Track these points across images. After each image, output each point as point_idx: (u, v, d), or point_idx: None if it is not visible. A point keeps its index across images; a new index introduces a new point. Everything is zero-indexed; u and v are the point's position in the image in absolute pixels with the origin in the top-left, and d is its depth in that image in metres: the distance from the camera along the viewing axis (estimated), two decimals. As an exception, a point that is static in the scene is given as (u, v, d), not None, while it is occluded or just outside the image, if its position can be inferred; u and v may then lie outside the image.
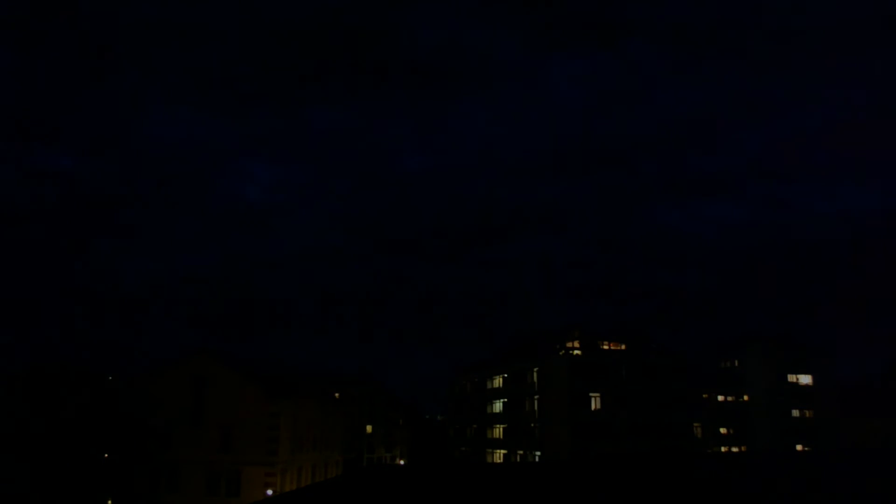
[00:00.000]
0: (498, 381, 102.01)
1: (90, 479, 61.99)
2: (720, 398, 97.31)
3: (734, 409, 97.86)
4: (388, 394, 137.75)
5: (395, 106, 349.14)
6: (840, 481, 23.21)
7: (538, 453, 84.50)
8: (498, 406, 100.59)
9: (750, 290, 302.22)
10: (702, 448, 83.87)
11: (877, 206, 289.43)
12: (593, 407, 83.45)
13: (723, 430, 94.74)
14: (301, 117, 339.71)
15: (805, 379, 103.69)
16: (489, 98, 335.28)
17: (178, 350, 66.38)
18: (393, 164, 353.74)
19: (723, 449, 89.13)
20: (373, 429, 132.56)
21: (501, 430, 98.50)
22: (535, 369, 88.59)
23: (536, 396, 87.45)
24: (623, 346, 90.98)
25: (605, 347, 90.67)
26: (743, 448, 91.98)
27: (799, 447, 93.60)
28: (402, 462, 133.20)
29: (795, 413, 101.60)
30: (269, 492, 57.20)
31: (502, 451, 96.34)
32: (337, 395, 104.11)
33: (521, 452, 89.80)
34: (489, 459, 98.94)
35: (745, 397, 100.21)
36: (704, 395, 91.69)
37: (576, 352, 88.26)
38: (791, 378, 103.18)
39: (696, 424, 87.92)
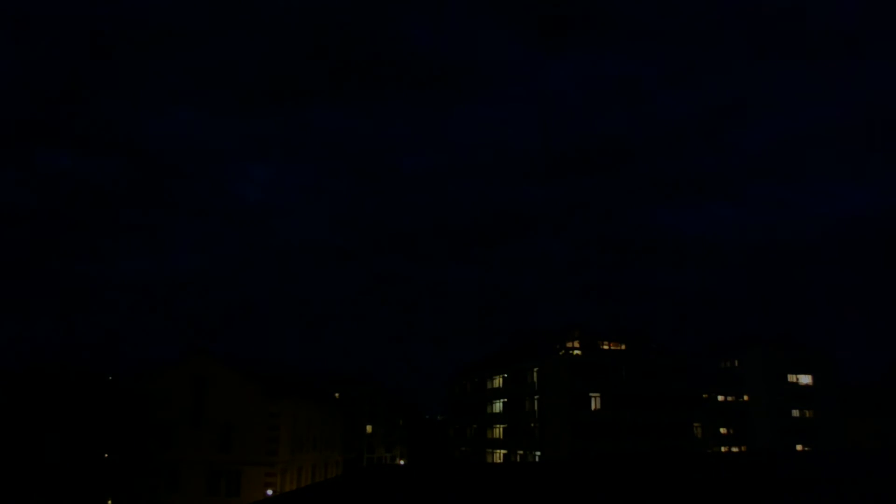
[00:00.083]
0: (498, 381, 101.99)
1: (90, 479, 61.98)
2: (720, 398, 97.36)
3: (734, 409, 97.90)
4: (388, 394, 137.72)
5: (393, 106, 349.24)
6: (840, 481, 23.20)
7: (538, 453, 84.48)
8: (498, 406, 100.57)
9: (750, 291, 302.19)
10: (702, 448, 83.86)
11: (876, 206, 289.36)
12: (593, 407, 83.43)
13: (723, 430, 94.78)
14: (300, 118, 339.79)
15: (805, 379, 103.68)
16: (488, 99, 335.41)
17: (178, 350, 66.36)
18: (392, 165, 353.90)
19: (723, 449, 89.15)
20: (373, 429, 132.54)
21: (501, 430, 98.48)
22: (535, 369, 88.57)
23: (536, 396, 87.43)
24: (623, 346, 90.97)
25: (605, 347, 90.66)
26: (743, 448, 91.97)
27: (799, 447, 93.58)
28: (402, 462, 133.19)
29: (795, 413, 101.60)
30: (269, 492, 57.18)
31: (502, 451, 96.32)
32: (337, 395, 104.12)
33: (521, 452, 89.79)
34: (489, 459, 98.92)
35: (745, 397, 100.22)
36: (704, 395, 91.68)
37: (576, 352, 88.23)
38: (791, 378, 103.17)
39: (696, 424, 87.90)
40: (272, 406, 60.71)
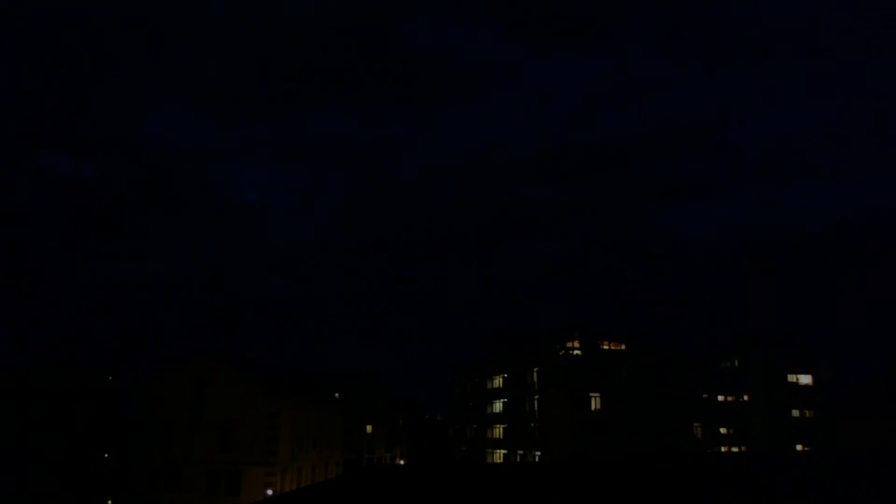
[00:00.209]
0: (498, 381, 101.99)
1: (90, 479, 62.05)
2: (720, 398, 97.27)
3: (734, 409, 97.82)
4: (388, 394, 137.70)
5: (392, 108, 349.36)
6: (840, 481, 23.21)
7: (538, 453, 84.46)
8: (498, 406, 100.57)
9: (749, 291, 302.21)
10: (702, 448, 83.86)
11: (875, 207, 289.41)
12: (593, 407, 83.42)
13: (723, 430, 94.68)
14: (298, 119, 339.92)
15: (805, 379, 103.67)
16: (486, 99, 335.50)
17: (179, 350, 66.40)
18: (391, 165, 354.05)
19: (723, 449, 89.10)
20: (373, 429, 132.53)
21: (501, 430, 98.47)
22: (535, 369, 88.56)
23: (536, 396, 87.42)
24: (623, 346, 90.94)
25: (605, 347, 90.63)
26: (743, 448, 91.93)
27: (799, 447, 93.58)
28: (402, 462, 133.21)
29: (795, 413, 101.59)
30: (269, 492, 57.17)
31: (502, 451, 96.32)
32: (337, 395, 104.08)
33: (521, 452, 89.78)
34: (489, 459, 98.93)
35: (745, 397, 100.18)
36: (704, 395, 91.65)
37: (576, 352, 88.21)
38: (791, 378, 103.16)
39: (696, 424, 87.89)
40: (272, 406, 60.70)
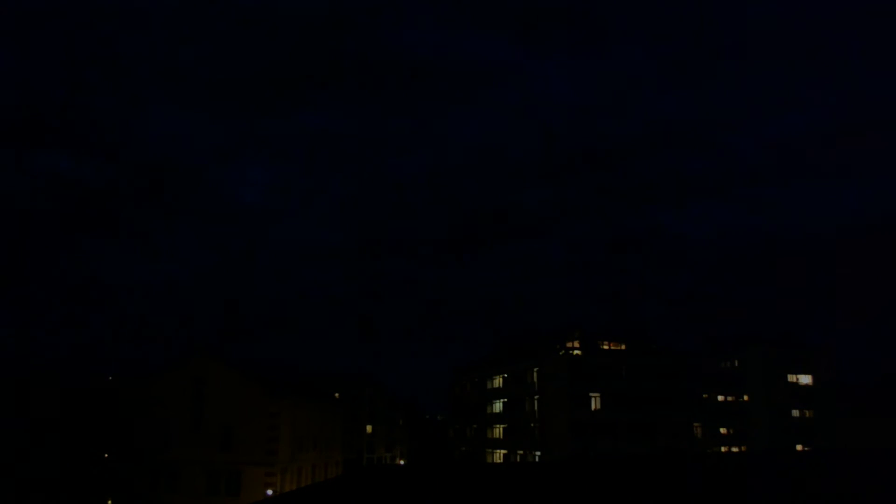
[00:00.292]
0: (498, 381, 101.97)
1: (90, 479, 62.04)
2: (720, 398, 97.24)
3: (734, 409, 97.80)
4: (388, 394, 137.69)
5: (390, 108, 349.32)
6: (840, 481, 23.20)
7: (538, 453, 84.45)
8: (498, 406, 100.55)
9: (749, 291, 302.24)
10: (702, 448, 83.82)
11: (875, 207, 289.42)
12: (593, 407, 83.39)
13: (723, 430, 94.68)
14: (298, 119, 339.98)
15: (805, 379, 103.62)
16: (484, 100, 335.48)
17: (179, 351, 66.40)
18: (390, 166, 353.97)
19: (723, 449, 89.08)
20: (373, 429, 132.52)
21: (501, 430, 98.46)
22: (535, 369, 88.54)
23: (536, 396, 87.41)
24: (623, 346, 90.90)
25: (605, 347, 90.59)
26: (743, 448, 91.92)
27: (799, 447, 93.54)
28: (402, 462, 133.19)
29: (795, 413, 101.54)
30: (269, 492, 57.17)
31: (502, 451, 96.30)
32: (337, 395, 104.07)
33: (521, 452, 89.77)
34: (489, 459, 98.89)
35: (745, 397, 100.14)
36: (704, 395, 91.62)
37: (576, 352, 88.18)
38: (791, 378, 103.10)
39: (696, 424, 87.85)
40: (272, 406, 60.71)
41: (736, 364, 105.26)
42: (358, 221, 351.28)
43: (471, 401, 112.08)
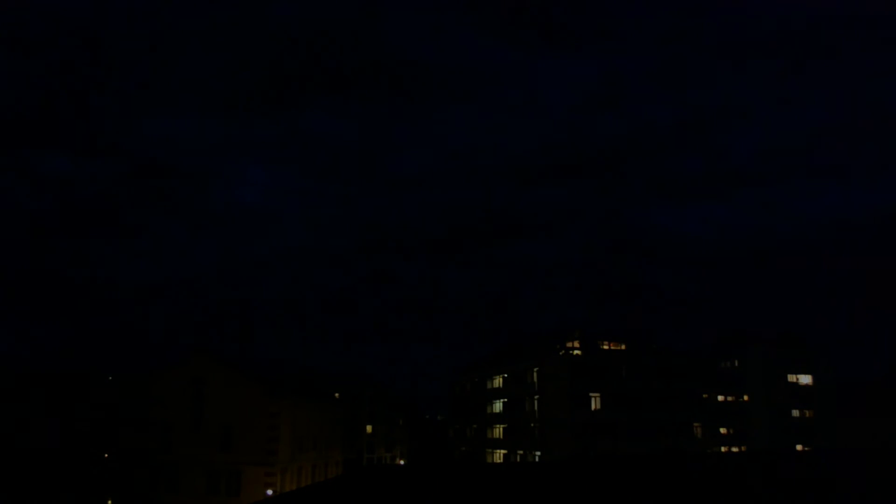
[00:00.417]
0: (498, 381, 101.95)
1: (90, 479, 62.05)
2: (720, 398, 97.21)
3: (734, 409, 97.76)
4: (388, 394, 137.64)
5: (389, 109, 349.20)
6: (840, 481, 23.20)
7: (538, 453, 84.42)
8: (498, 406, 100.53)
9: (749, 291, 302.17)
10: (702, 448, 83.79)
11: (874, 207, 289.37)
12: (593, 407, 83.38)
13: (723, 430, 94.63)
14: (297, 121, 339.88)
15: (805, 379, 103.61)
16: (484, 101, 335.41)
17: (178, 351, 66.40)
18: (390, 166, 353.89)
19: (723, 449, 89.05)
20: (373, 429, 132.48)
21: (501, 430, 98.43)
22: (535, 369, 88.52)
23: (536, 396, 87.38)
24: (623, 346, 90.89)
25: (605, 347, 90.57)
26: (743, 448, 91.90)
27: (799, 447, 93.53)
28: (402, 462, 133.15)
29: (795, 413, 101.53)
30: (269, 492, 57.15)
31: (502, 451, 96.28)
32: (337, 395, 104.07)
33: (521, 452, 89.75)
34: (489, 459, 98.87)
35: (745, 397, 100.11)
36: (704, 395, 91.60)
37: (576, 352, 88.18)
38: (791, 378, 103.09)
39: (696, 424, 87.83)
40: (272, 406, 60.68)
41: (736, 364, 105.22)
42: (358, 221, 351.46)
43: (471, 401, 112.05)
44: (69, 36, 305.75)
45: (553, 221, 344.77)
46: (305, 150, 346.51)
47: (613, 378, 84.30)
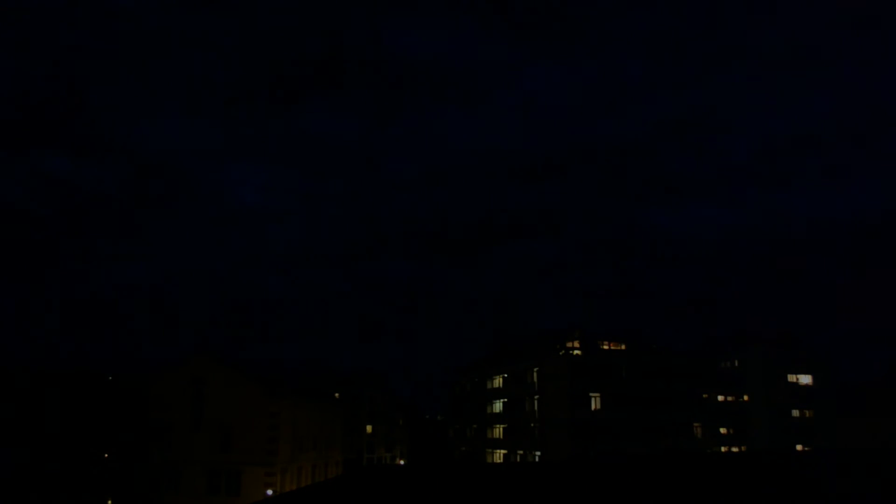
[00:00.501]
0: (498, 381, 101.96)
1: (90, 479, 62.01)
2: (720, 398, 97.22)
3: (734, 409, 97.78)
4: (388, 394, 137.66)
5: (388, 110, 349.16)
6: (840, 481, 23.21)
7: (538, 453, 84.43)
8: (498, 406, 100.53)
9: (749, 291, 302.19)
10: (702, 448, 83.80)
11: (874, 207, 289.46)
12: (593, 407, 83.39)
13: (723, 430, 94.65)
14: (296, 122, 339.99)
15: (805, 379, 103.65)
16: (483, 101, 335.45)
17: (178, 351, 66.44)
18: (390, 166, 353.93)
19: (723, 449, 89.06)
20: (373, 429, 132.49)
21: (501, 430, 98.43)
22: (535, 369, 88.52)
23: (536, 396, 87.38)
24: (623, 346, 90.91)
25: (605, 347, 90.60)
26: (743, 448, 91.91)
27: (799, 447, 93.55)
28: (402, 462, 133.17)
29: (795, 413, 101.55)
30: (269, 492, 57.19)
31: (502, 451, 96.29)
32: (337, 395, 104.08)
33: (521, 452, 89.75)
34: (489, 459, 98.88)
35: (745, 397, 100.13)
36: (704, 395, 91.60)
37: (576, 352, 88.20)
38: (791, 378, 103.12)
39: (696, 424, 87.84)
40: (272, 406, 60.72)
41: (736, 364, 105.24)
42: (357, 222, 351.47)
43: (471, 401, 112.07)
44: (69, 36, 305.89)
45: (553, 221, 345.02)
46: (305, 150, 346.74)
47: (613, 378, 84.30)
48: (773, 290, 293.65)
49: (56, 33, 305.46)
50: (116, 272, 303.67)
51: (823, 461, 31.91)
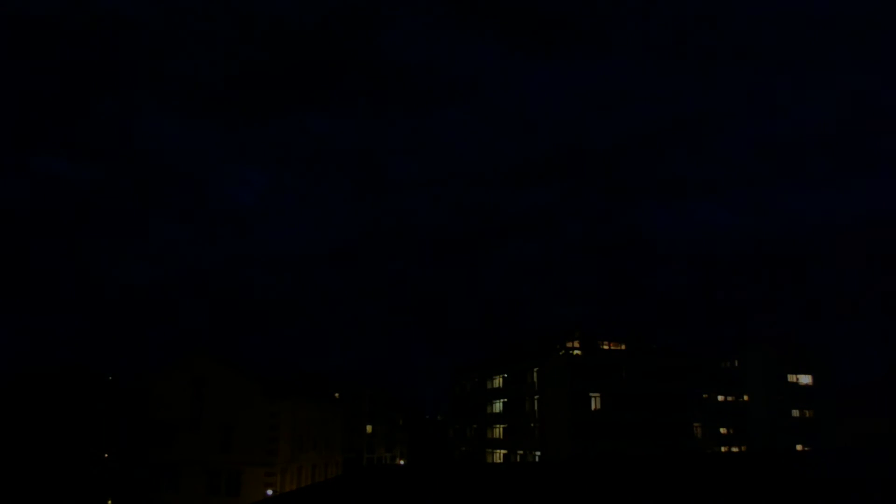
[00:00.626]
0: (498, 381, 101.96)
1: (90, 479, 62.01)
2: (720, 398, 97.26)
3: (734, 409, 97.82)
4: (388, 394, 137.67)
5: (387, 112, 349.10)
6: (840, 481, 23.20)
7: (538, 453, 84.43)
8: (498, 406, 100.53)
9: (749, 291, 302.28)
10: (702, 448, 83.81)
11: (873, 207, 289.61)
12: (593, 407, 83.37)
13: (723, 430, 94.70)
14: (295, 124, 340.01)
15: (805, 379, 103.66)
16: (482, 102, 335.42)
17: (178, 351, 66.41)
18: (389, 167, 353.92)
19: (723, 449, 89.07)
20: (373, 429, 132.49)
21: (501, 430, 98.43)
22: (535, 369, 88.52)
23: (536, 396, 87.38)
24: (623, 346, 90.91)
25: (605, 347, 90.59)
26: (743, 448, 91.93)
27: (799, 447, 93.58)
28: (402, 462, 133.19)
29: (795, 413, 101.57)
30: (269, 492, 57.17)
31: (502, 451, 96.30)
32: (337, 395, 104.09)
33: (521, 452, 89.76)
34: (489, 459, 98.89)
35: (745, 397, 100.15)
36: (704, 395, 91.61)
37: (576, 352, 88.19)
38: (791, 378, 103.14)
39: (696, 424, 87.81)
40: (272, 406, 60.69)
41: (736, 364, 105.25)
42: (357, 222, 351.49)
43: (471, 401, 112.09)
44: (70, 38, 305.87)
45: (552, 222, 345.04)
46: (304, 153, 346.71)
47: (613, 378, 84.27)
48: (773, 290, 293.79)
49: (56, 33, 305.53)
50: (116, 272, 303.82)
51: (823, 461, 31.90)
